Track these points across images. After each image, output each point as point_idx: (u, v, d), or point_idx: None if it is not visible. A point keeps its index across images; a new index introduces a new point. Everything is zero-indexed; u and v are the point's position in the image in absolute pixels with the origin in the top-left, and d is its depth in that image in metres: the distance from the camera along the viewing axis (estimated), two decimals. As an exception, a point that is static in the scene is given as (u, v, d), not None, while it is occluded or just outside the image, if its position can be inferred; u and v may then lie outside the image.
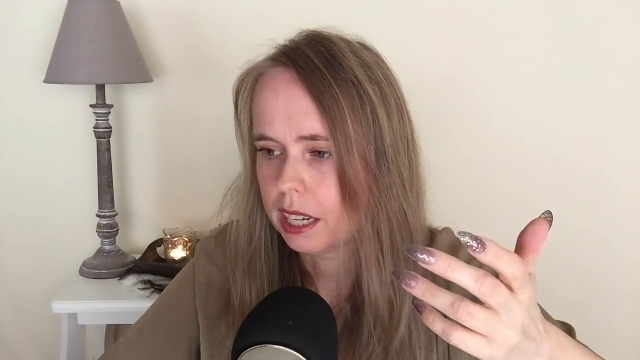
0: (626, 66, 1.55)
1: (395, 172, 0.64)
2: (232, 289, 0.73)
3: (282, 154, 0.65)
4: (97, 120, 1.44)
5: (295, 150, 0.63)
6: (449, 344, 0.66)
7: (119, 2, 1.40)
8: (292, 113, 0.62)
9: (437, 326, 0.46)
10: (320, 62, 0.62)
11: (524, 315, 0.46)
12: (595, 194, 1.61)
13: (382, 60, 0.69)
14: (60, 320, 1.40)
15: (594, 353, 0.61)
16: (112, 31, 1.36)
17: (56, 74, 1.37)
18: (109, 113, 1.45)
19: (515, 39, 1.54)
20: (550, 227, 0.49)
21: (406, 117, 0.67)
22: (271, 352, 0.49)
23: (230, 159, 0.83)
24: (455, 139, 1.55)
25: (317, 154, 0.63)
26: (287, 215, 0.65)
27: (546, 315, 0.70)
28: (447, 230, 0.75)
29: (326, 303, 0.57)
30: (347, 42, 0.66)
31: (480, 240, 0.44)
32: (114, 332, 1.59)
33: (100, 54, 1.34)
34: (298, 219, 0.64)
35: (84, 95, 1.51)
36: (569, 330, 0.72)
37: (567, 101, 1.56)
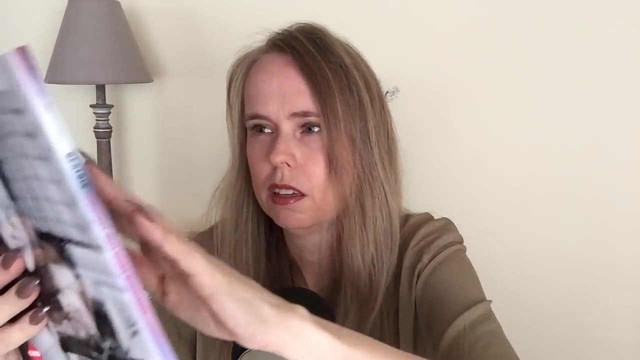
0: (625, 69, 1.55)
1: (376, 153, 0.69)
2: None
3: (272, 132, 0.68)
4: (97, 120, 1.44)
5: (287, 127, 0.67)
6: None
7: (119, 2, 1.40)
8: (286, 92, 0.66)
9: None
10: (313, 47, 0.68)
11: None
12: (595, 194, 1.61)
13: (364, 60, 0.74)
14: (60, 320, 1.40)
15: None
16: (112, 31, 1.36)
17: (56, 73, 1.37)
18: (109, 113, 1.45)
19: (511, 38, 1.54)
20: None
21: (386, 109, 0.73)
22: (271, 352, 0.49)
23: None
24: (456, 135, 1.55)
25: (307, 129, 0.67)
26: (277, 190, 0.67)
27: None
28: (424, 214, 0.78)
29: (327, 303, 0.57)
30: (335, 36, 0.72)
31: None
32: (114, 332, 1.59)
33: (100, 54, 1.34)
34: (288, 192, 0.67)
35: (84, 95, 1.51)
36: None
37: (566, 101, 1.56)
